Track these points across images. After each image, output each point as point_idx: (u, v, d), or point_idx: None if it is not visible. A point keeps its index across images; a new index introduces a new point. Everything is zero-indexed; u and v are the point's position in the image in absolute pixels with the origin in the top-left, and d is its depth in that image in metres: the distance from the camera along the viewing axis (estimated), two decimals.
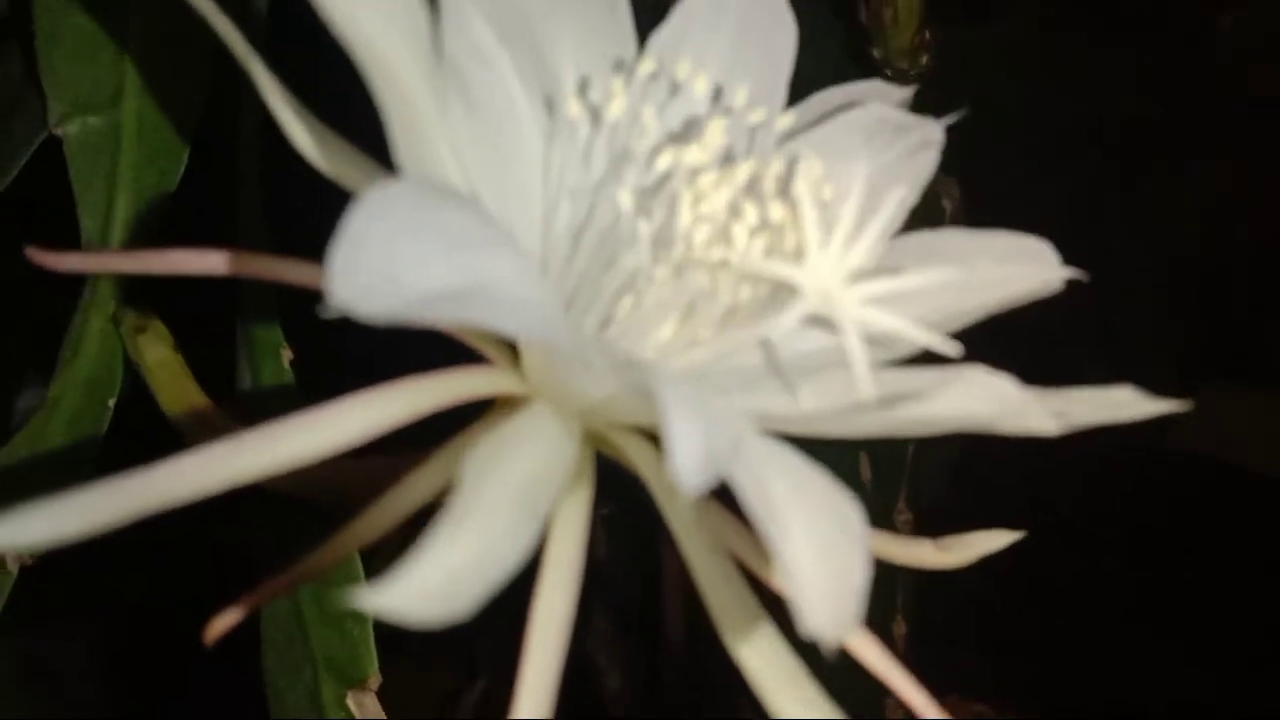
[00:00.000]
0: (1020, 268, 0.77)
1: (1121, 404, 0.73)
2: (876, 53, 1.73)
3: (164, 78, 1.08)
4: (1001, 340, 0.82)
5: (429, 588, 0.50)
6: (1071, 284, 0.79)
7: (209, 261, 0.73)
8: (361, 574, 0.89)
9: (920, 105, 1.35)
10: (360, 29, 0.59)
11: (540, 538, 0.60)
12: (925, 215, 0.85)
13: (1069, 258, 0.79)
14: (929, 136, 0.81)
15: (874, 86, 0.87)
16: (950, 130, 0.83)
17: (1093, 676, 1.68)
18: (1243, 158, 1.76)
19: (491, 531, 0.54)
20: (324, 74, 0.76)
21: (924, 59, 1.73)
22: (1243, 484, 1.68)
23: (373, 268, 0.52)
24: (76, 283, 1.08)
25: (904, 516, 1.43)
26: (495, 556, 0.53)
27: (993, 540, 0.89)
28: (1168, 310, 1.75)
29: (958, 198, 1.51)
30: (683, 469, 0.53)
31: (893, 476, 1.40)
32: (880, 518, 1.35)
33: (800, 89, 0.86)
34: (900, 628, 1.45)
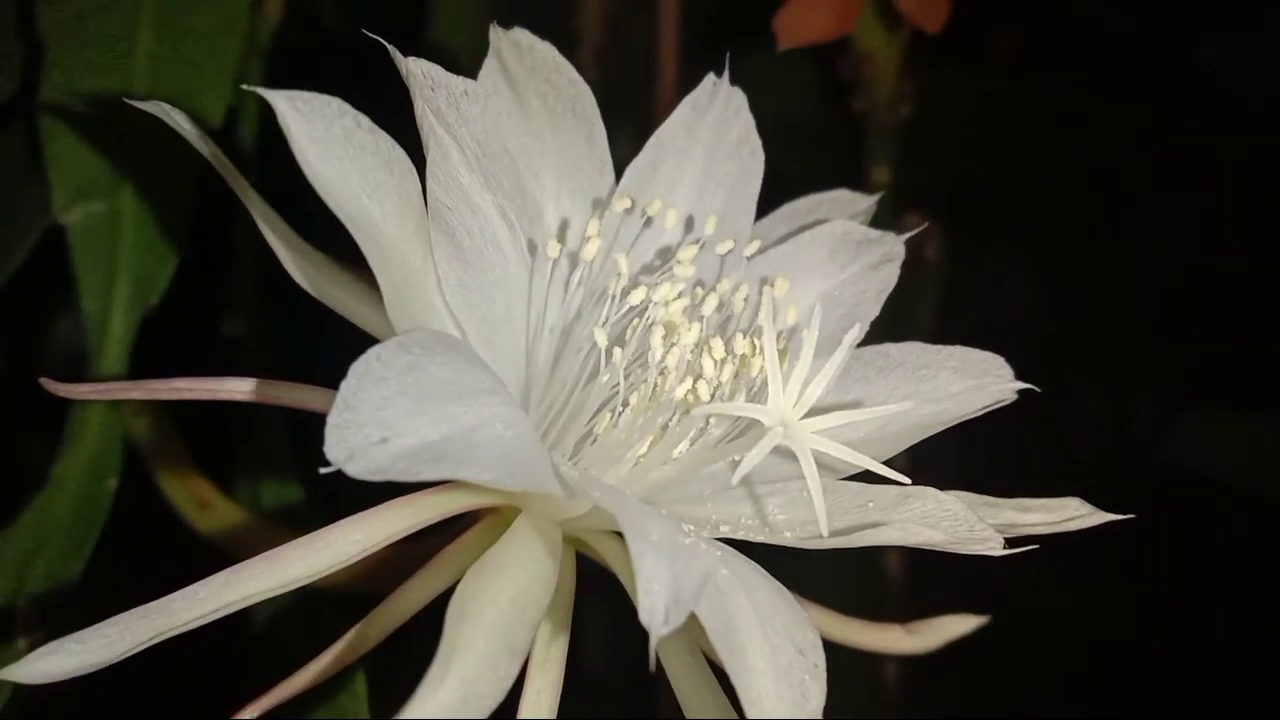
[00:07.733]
0: (977, 381, 0.81)
1: (1071, 514, 0.78)
2: (857, 105, 1.78)
3: (162, 167, 1.12)
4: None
5: None
6: (1061, 317, 0.82)
7: (213, 388, 0.77)
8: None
9: (904, 152, 1.36)
10: (347, 199, 0.63)
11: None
12: (908, 265, 0.87)
13: (1058, 288, 0.81)
14: (890, 251, 0.85)
15: (839, 196, 0.91)
16: (931, 176, 0.86)
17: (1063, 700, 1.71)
18: (1229, 185, 1.79)
19: (472, 675, 0.58)
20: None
21: (905, 109, 1.77)
22: (1238, 506, 1.70)
23: (364, 431, 0.57)
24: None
25: None
26: (476, 698, 0.58)
27: (960, 624, 0.94)
28: (1157, 339, 1.78)
29: (941, 246, 1.54)
30: (650, 617, 0.57)
31: None
32: None
33: (781, 143, 0.89)
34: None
